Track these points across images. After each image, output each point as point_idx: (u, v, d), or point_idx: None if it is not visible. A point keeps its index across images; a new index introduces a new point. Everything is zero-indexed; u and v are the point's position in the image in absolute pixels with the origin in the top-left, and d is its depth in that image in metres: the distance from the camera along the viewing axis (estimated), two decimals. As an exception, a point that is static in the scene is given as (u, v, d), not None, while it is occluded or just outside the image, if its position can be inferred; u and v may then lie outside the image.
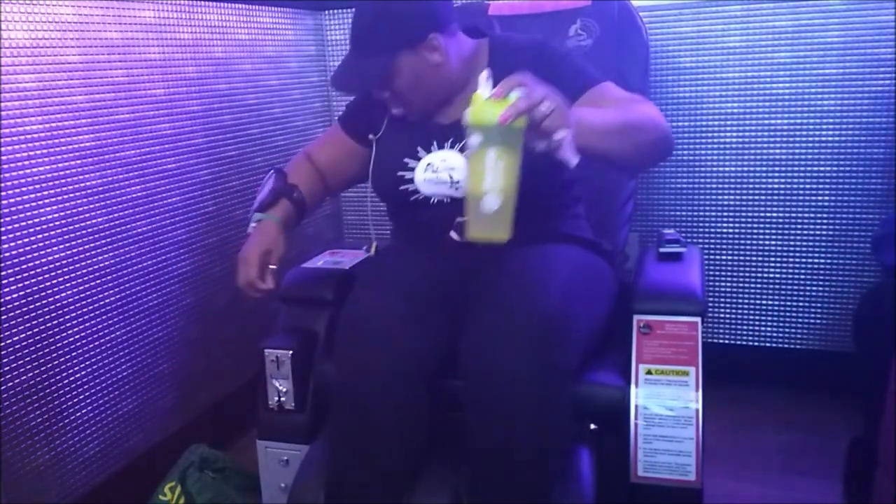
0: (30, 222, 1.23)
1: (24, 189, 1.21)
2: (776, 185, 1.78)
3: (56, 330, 1.29)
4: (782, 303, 1.84)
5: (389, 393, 1.01)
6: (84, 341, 1.35)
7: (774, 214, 1.80)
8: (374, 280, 1.14)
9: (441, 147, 1.17)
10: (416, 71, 1.12)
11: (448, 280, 1.14)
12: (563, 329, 0.97)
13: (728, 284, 1.88)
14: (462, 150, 1.14)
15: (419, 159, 1.18)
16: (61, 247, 1.29)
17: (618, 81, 1.50)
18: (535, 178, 1.14)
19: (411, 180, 1.18)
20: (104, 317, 1.39)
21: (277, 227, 1.19)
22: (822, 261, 1.78)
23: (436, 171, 1.16)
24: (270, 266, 1.17)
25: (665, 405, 1.07)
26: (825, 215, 1.76)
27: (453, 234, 1.16)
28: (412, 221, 1.24)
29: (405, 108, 1.18)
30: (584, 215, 1.30)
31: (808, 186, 1.76)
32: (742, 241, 1.84)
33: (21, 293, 1.22)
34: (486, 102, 0.84)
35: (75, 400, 1.34)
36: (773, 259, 1.82)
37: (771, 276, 1.83)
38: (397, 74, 1.12)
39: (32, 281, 1.24)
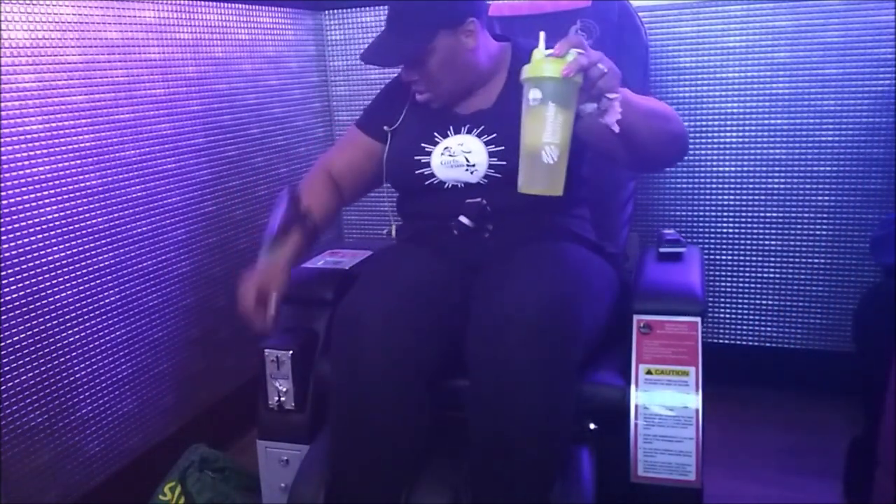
0: (30, 222, 1.23)
1: (24, 189, 1.21)
2: (776, 185, 1.78)
3: (56, 330, 1.29)
4: (782, 303, 1.84)
5: (386, 392, 1.01)
6: (84, 341, 1.35)
7: (774, 214, 1.80)
8: (371, 279, 1.14)
9: (458, 132, 1.20)
10: (451, 53, 1.15)
11: (449, 279, 1.14)
12: (568, 326, 0.97)
13: (728, 284, 1.88)
14: (479, 136, 1.17)
15: (436, 144, 1.20)
16: (61, 247, 1.29)
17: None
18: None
19: (427, 164, 1.19)
20: (104, 317, 1.39)
21: (280, 266, 1.17)
22: (822, 261, 1.78)
23: (453, 154, 1.18)
24: (270, 311, 1.16)
25: (665, 405, 1.07)
26: (825, 215, 1.76)
27: (464, 219, 1.16)
28: (424, 206, 1.24)
29: (431, 93, 1.20)
30: (589, 217, 1.30)
31: (808, 186, 1.76)
32: (742, 241, 1.84)
33: (21, 293, 1.22)
34: (545, 59, 0.87)
35: (75, 400, 1.34)
36: (773, 259, 1.82)
37: (771, 276, 1.83)
38: (432, 54, 1.14)
39: (32, 281, 1.24)
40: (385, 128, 1.28)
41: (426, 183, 1.20)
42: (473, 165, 1.16)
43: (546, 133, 0.88)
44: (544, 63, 0.87)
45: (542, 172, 0.89)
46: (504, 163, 1.15)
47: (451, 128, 1.21)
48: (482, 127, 1.18)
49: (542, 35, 0.91)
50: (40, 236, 1.25)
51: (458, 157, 1.18)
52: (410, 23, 1.14)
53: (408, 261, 1.17)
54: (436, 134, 1.21)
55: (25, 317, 1.23)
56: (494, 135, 1.16)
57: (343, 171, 1.33)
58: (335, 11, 2.08)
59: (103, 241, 1.38)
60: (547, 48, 0.89)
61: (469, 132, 1.19)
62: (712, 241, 1.87)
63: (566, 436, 1.03)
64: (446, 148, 1.19)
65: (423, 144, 1.21)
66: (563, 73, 0.86)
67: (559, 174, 0.89)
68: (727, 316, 1.89)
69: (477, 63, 1.19)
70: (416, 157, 1.21)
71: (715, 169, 1.82)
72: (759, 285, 1.85)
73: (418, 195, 1.24)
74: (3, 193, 1.18)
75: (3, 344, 1.19)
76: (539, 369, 0.94)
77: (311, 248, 1.27)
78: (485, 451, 0.98)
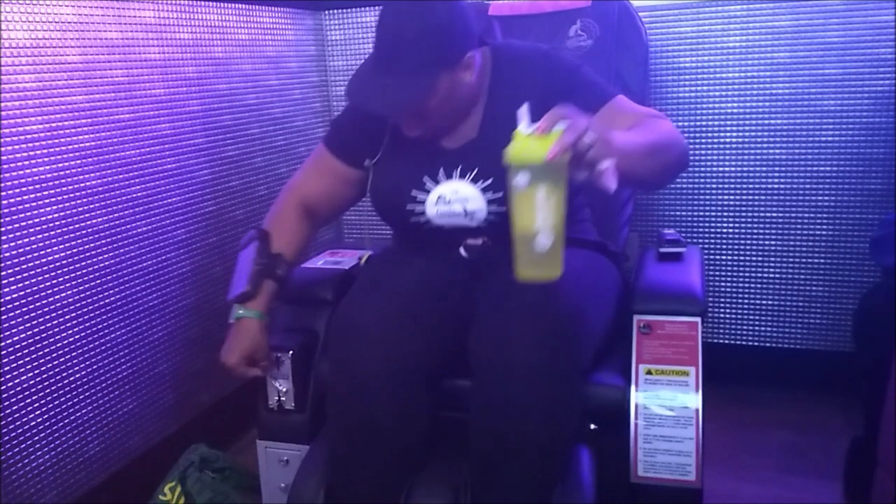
0: (30, 222, 1.23)
1: (24, 189, 1.21)
2: (776, 185, 1.78)
3: (56, 330, 1.29)
4: (782, 303, 1.84)
5: (384, 393, 1.01)
6: (84, 341, 1.35)
7: (774, 214, 1.80)
8: (369, 281, 1.14)
9: (450, 176, 1.11)
10: (450, 91, 1.05)
11: (450, 281, 1.14)
12: (574, 331, 0.97)
13: (728, 284, 1.87)
14: (473, 181, 1.10)
15: (427, 191, 1.12)
16: (61, 247, 1.29)
17: (618, 82, 1.52)
18: None
19: (422, 212, 1.12)
20: (104, 317, 1.39)
21: (259, 325, 1.15)
22: (822, 261, 1.78)
23: (448, 203, 1.10)
24: (257, 369, 1.17)
25: (665, 405, 1.07)
26: (825, 215, 1.76)
27: (462, 252, 1.14)
28: (420, 243, 1.19)
29: (424, 129, 1.10)
30: (590, 219, 1.30)
31: (808, 186, 1.76)
32: (742, 241, 1.84)
33: (21, 293, 1.22)
34: (529, 139, 0.81)
35: (75, 400, 1.34)
36: (773, 259, 1.82)
37: (771, 276, 1.83)
38: (433, 96, 1.03)
39: (32, 281, 1.24)
40: (366, 162, 1.18)
41: (423, 228, 1.14)
42: (472, 213, 1.10)
43: (538, 219, 0.82)
44: (528, 145, 0.81)
45: (537, 259, 0.84)
46: (503, 209, 1.07)
47: (441, 170, 1.11)
48: (476, 169, 1.09)
49: (523, 109, 0.84)
50: (40, 236, 1.25)
51: (455, 205, 1.10)
52: (410, 66, 1.02)
53: (408, 262, 1.17)
54: (426, 179, 1.12)
55: (25, 317, 1.23)
56: (490, 180, 1.08)
57: (318, 199, 1.24)
58: (335, 11, 2.08)
59: (103, 241, 1.38)
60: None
61: (462, 176, 1.10)
62: (712, 241, 1.87)
63: (569, 437, 1.03)
64: (440, 196, 1.11)
65: (413, 192, 1.12)
66: (548, 157, 0.79)
67: (556, 257, 0.84)
68: (727, 316, 1.89)
69: (474, 93, 1.11)
70: (409, 206, 1.13)
71: (715, 169, 1.82)
72: (759, 285, 1.85)
73: (414, 235, 1.18)
74: (3, 193, 1.18)
75: (3, 344, 1.19)
76: (545, 372, 0.94)
77: (284, 291, 1.23)
78: (487, 452, 0.98)
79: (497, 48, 1.16)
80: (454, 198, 1.10)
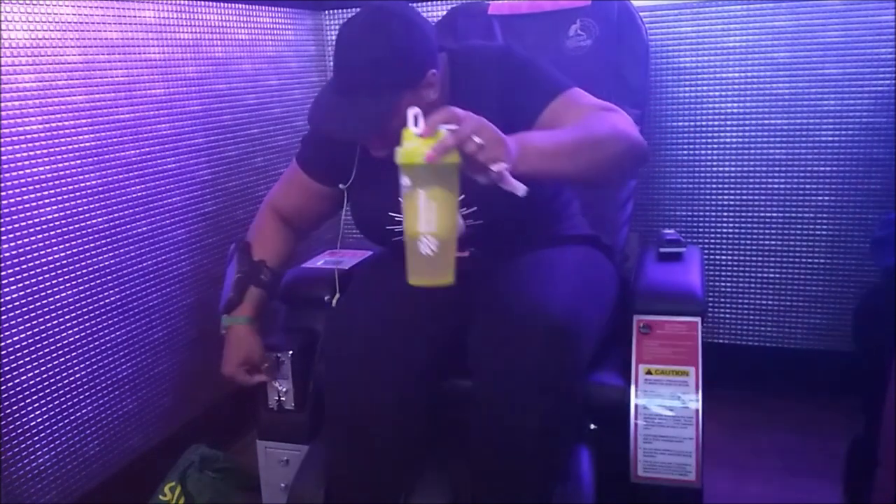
0: (30, 222, 1.23)
1: (24, 189, 1.21)
2: (776, 186, 1.78)
3: (56, 330, 1.29)
4: (782, 303, 1.84)
5: (380, 394, 1.01)
6: (84, 341, 1.35)
7: (774, 214, 1.80)
8: (364, 282, 1.14)
9: None
10: (401, 116, 0.99)
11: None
12: (573, 332, 0.97)
13: (728, 284, 1.87)
14: None
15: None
16: (61, 247, 1.29)
17: (618, 81, 1.52)
18: (531, 189, 1.13)
19: (400, 233, 1.06)
20: (104, 317, 1.39)
21: (249, 329, 1.17)
22: (822, 261, 1.78)
23: None
24: (260, 375, 1.19)
25: (665, 405, 1.07)
26: (825, 215, 1.76)
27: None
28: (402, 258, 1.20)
29: (391, 150, 1.04)
30: (580, 212, 1.30)
31: (808, 186, 1.76)
32: (742, 241, 1.84)
33: (21, 293, 1.22)
34: (413, 141, 0.80)
35: (75, 400, 1.34)
36: (773, 259, 1.82)
37: (771, 276, 1.83)
38: (396, 116, 0.97)
39: (32, 281, 1.24)
40: (340, 185, 1.17)
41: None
42: None
43: (420, 222, 0.80)
44: (411, 146, 0.79)
45: (423, 263, 0.82)
46: (480, 222, 1.09)
47: None
48: None
49: (410, 112, 0.82)
50: (40, 236, 1.25)
51: None
52: (371, 90, 0.98)
53: (402, 265, 1.16)
54: (401, 202, 1.09)
55: (25, 317, 1.23)
56: (463, 195, 0.97)
57: (294, 213, 1.26)
58: (335, 11, 2.08)
59: (103, 241, 1.38)
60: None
61: None
62: (712, 241, 1.86)
63: (569, 438, 1.03)
64: None
65: (391, 212, 1.11)
66: (425, 159, 0.77)
67: (443, 264, 0.82)
68: (727, 316, 1.89)
69: (437, 107, 1.03)
70: (389, 226, 1.12)
71: (715, 169, 1.82)
72: (759, 285, 1.85)
73: (398, 251, 1.18)
74: (3, 193, 1.18)
75: (3, 344, 1.19)
76: (544, 372, 0.94)
77: (273, 299, 1.25)
78: (487, 452, 0.98)
79: (453, 53, 1.13)
80: None
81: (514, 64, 1.10)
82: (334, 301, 1.25)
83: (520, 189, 0.82)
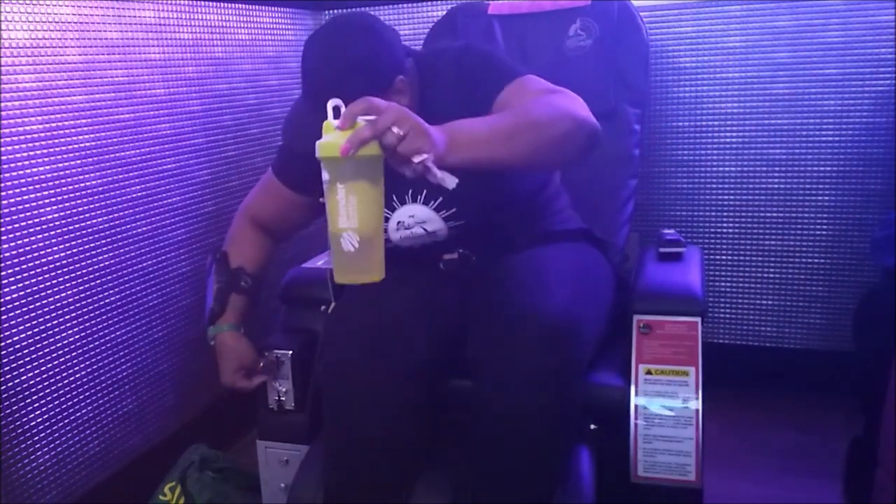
0: (30, 222, 1.23)
1: (24, 189, 1.21)
2: (776, 185, 1.78)
3: (56, 330, 1.29)
4: (782, 303, 1.84)
5: (379, 396, 1.01)
6: (84, 341, 1.35)
7: (774, 214, 1.80)
8: (362, 286, 1.14)
9: (402, 202, 1.11)
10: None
11: (444, 280, 1.14)
12: (572, 332, 0.97)
13: (728, 284, 1.87)
14: (425, 202, 1.10)
15: (386, 218, 1.10)
16: (61, 247, 1.29)
17: (618, 81, 1.52)
18: (509, 186, 1.13)
19: (387, 239, 1.11)
20: (104, 317, 1.39)
21: (236, 335, 1.19)
22: (822, 261, 1.78)
23: (409, 227, 1.11)
24: (259, 377, 1.20)
25: (665, 405, 1.07)
26: (825, 215, 1.76)
27: (442, 266, 1.15)
28: (398, 260, 1.20)
29: None
30: (570, 204, 1.29)
31: (808, 186, 1.76)
32: (742, 241, 1.84)
33: (21, 293, 1.22)
34: (332, 134, 0.77)
35: (75, 400, 1.34)
36: (773, 259, 1.82)
37: (771, 276, 1.83)
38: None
39: (32, 281, 1.24)
40: (321, 199, 1.15)
41: (393, 251, 1.10)
42: (434, 232, 1.11)
43: (341, 218, 0.77)
44: (330, 139, 0.76)
45: (347, 260, 0.78)
46: (462, 222, 1.10)
47: (393, 196, 1.11)
48: (424, 191, 1.09)
49: (329, 104, 0.79)
50: (40, 236, 1.25)
51: (416, 228, 1.11)
52: (337, 97, 0.90)
53: (401, 266, 1.17)
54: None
55: (25, 317, 1.23)
56: (440, 199, 1.09)
57: (270, 221, 1.26)
58: (335, 11, 2.08)
59: (103, 241, 1.38)
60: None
61: (414, 200, 1.10)
62: (712, 241, 1.86)
63: (569, 438, 1.03)
64: (399, 223, 1.12)
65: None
66: (340, 152, 0.74)
67: (367, 260, 0.79)
68: (727, 316, 1.89)
69: (406, 106, 1.03)
70: None
71: (715, 169, 1.82)
72: (759, 285, 1.85)
73: (387, 256, 1.19)
74: (3, 193, 1.18)
75: (3, 344, 1.19)
76: (544, 373, 0.94)
77: (257, 304, 1.25)
78: (487, 453, 0.98)
79: (418, 58, 1.13)
80: (412, 222, 1.11)
81: (471, 58, 1.10)
82: (330, 308, 1.27)
83: (449, 181, 0.79)
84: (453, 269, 1.16)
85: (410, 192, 1.11)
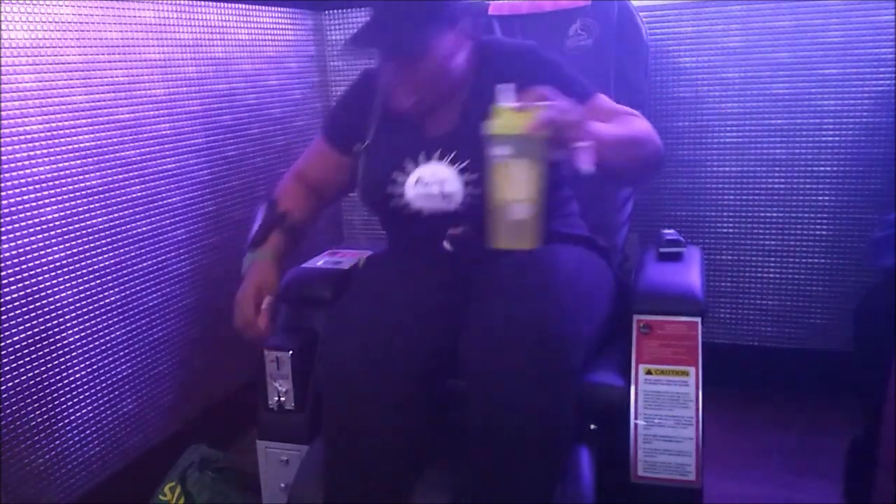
0: (30, 222, 1.23)
1: (24, 189, 1.21)
2: (776, 186, 1.78)
3: (56, 330, 1.29)
4: (782, 303, 1.84)
5: (378, 396, 1.01)
6: (84, 341, 1.35)
7: (774, 214, 1.80)
8: (362, 285, 1.14)
9: (430, 159, 1.14)
10: (448, 53, 1.09)
11: (443, 281, 1.14)
12: (565, 330, 0.97)
13: (728, 284, 1.87)
14: (452, 163, 1.13)
15: (408, 173, 1.15)
16: (61, 247, 1.29)
17: (619, 81, 1.52)
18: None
19: (401, 195, 1.15)
20: (104, 317, 1.39)
21: (269, 263, 1.18)
22: (822, 261, 1.78)
23: (427, 184, 1.13)
24: (263, 305, 1.16)
25: (665, 405, 1.07)
26: (825, 215, 1.76)
27: (446, 245, 1.15)
28: (404, 233, 1.23)
29: (417, 97, 1.12)
30: (578, 212, 1.30)
31: (808, 186, 1.76)
32: (742, 241, 1.84)
33: (21, 293, 1.22)
34: (510, 113, 0.86)
35: (75, 400, 1.34)
36: (773, 259, 1.82)
37: (771, 276, 1.83)
38: (434, 51, 1.07)
39: (32, 281, 1.24)
40: (355, 147, 1.22)
41: (403, 212, 1.17)
42: (449, 195, 1.13)
43: (514, 190, 0.86)
44: (508, 119, 0.86)
45: (512, 229, 0.88)
46: (479, 191, 1.10)
47: (422, 153, 1.14)
48: (454, 152, 1.13)
49: (504, 87, 0.89)
50: (40, 236, 1.25)
51: (433, 186, 1.13)
52: (411, 16, 1.06)
53: (399, 267, 1.17)
54: (407, 161, 1.15)
55: (25, 317, 1.23)
56: (468, 160, 1.11)
57: (315, 183, 1.31)
58: (335, 11, 2.08)
59: (103, 241, 1.38)
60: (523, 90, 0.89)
61: (441, 159, 1.13)
62: (712, 241, 1.87)
63: (566, 438, 1.03)
64: (419, 178, 1.14)
65: (394, 173, 1.15)
66: (528, 129, 0.84)
67: (531, 229, 0.88)
68: (727, 316, 1.89)
69: (461, 69, 1.13)
70: (389, 189, 1.16)
71: (715, 169, 1.82)
72: (759, 285, 1.85)
73: (396, 222, 1.21)
74: (3, 193, 1.18)
75: (3, 344, 1.19)
76: (539, 376, 0.94)
77: (295, 248, 1.26)
78: (485, 453, 0.98)
79: (483, 44, 1.18)
80: (432, 179, 1.13)
81: (545, 63, 1.16)
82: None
83: (589, 168, 0.88)
84: (454, 250, 1.15)
85: (440, 151, 1.14)
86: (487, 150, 0.87)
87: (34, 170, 1.23)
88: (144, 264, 1.48)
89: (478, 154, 0.97)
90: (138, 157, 1.45)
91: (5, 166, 1.18)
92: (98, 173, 1.36)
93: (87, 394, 1.36)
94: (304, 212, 1.28)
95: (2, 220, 1.18)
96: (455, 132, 1.16)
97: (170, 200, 1.54)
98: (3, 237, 1.18)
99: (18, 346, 1.22)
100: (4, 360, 1.20)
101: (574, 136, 0.87)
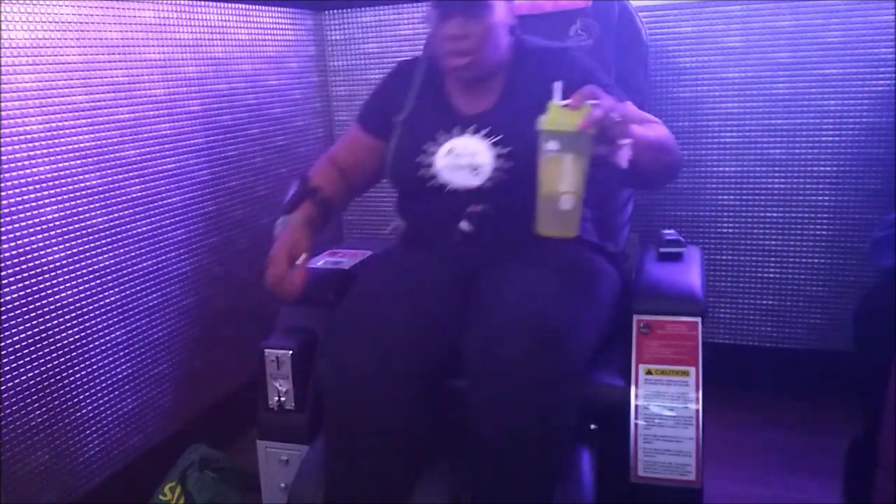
0: (30, 222, 1.23)
1: (24, 189, 1.22)
2: (776, 186, 1.78)
3: (56, 330, 1.29)
4: (782, 303, 1.84)
5: (381, 396, 1.01)
6: (84, 341, 1.35)
7: (774, 215, 1.80)
8: (366, 284, 1.14)
9: (464, 133, 1.18)
10: (502, 19, 1.17)
11: (445, 279, 1.14)
12: (565, 332, 0.97)
13: (728, 284, 1.88)
14: (486, 136, 1.16)
15: (440, 144, 1.18)
16: (61, 247, 1.29)
17: (619, 81, 1.51)
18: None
19: (430, 164, 1.18)
20: (104, 317, 1.39)
21: (301, 225, 1.20)
22: (822, 261, 1.78)
23: (458, 155, 1.16)
24: (298, 262, 1.16)
25: (665, 405, 1.07)
26: (825, 216, 1.76)
27: (464, 225, 1.16)
28: (423, 210, 1.23)
29: (473, 58, 1.16)
30: (591, 218, 1.30)
31: (808, 187, 1.76)
32: (742, 241, 1.84)
33: (21, 293, 1.22)
34: (561, 111, 0.92)
35: (75, 400, 1.34)
36: (773, 259, 1.82)
37: (771, 276, 1.83)
38: (494, 12, 1.14)
39: (32, 281, 1.24)
40: (392, 119, 1.27)
41: (427, 185, 1.19)
42: (478, 167, 1.15)
43: (563, 183, 0.93)
44: (561, 115, 0.92)
45: (559, 218, 0.95)
46: (511, 163, 1.14)
47: (457, 127, 1.18)
48: (488, 128, 1.17)
49: (557, 85, 0.96)
50: (40, 236, 1.25)
51: (463, 158, 1.16)
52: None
53: (404, 264, 1.17)
54: (440, 133, 1.19)
55: (25, 317, 1.23)
56: (501, 136, 1.15)
57: (346, 167, 1.33)
58: (335, 11, 2.08)
59: (103, 241, 1.38)
60: (563, 94, 0.95)
61: (475, 133, 1.17)
62: (712, 241, 1.87)
63: (567, 438, 1.03)
64: (451, 149, 1.17)
65: (426, 144, 1.19)
66: (579, 126, 0.90)
67: (575, 219, 0.95)
68: (727, 316, 1.89)
69: (507, 46, 1.20)
70: (419, 158, 1.19)
71: (715, 169, 1.82)
72: (759, 285, 1.85)
73: (418, 196, 1.23)
74: (3, 193, 1.18)
75: (3, 344, 1.19)
76: (540, 377, 0.94)
77: (326, 224, 1.28)
78: (485, 453, 0.98)
79: (520, 40, 1.25)
80: (464, 151, 1.17)
81: (579, 64, 1.21)
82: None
83: (624, 163, 0.94)
84: (471, 230, 1.16)
85: (475, 126, 1.18)
86: (540, 144, 0.94)
87: (34, 170, 1.23)
88: (144, 264, 1.48)
89: (511, 130, 1.12)
90: (138, 157, 1.45)
91: (5, 166, 1.18)
92: (98, 173, 1.36)
93: (87, 394, 1.36)
94: (334, 191, 1.30)
95: (2, 220, 1.18)
96: (491, 112, 1.20)
97: (170, 200, 1.54)
98: (3, 237, 1.18)
99: (18, 346, 1.22)
100: (4, 360, 1.20)
101: (618, 134, 0.92)
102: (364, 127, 1.32)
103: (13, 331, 1.21)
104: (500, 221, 1.16)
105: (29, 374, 1.24)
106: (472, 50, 1.15)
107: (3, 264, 1.19)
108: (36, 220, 1.24)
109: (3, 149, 1.17)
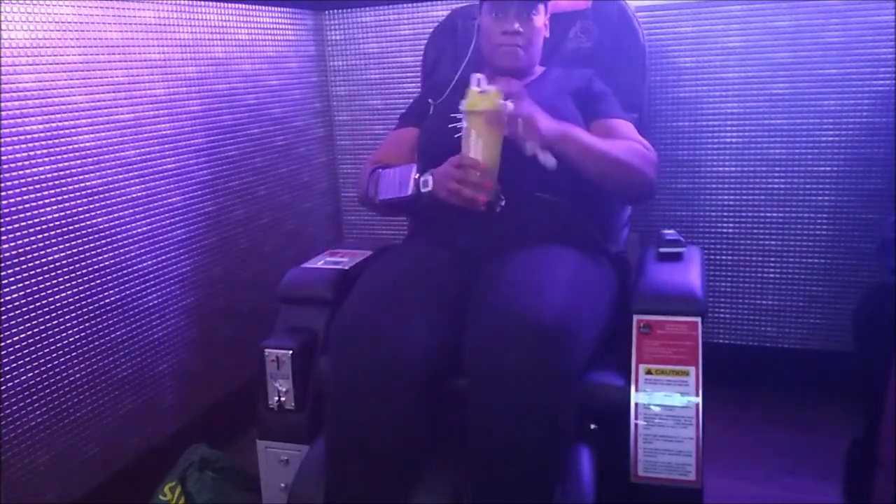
0: (30, 222, 1.23)
1: (24, 189, 1.21)
2: (776, 186, 1.78)
3: (56, 330, 1.29)
4: (782, 303, 1.84)
5: (382, 397, 1.01)
6: (84, 341, 1.35)
7: (774, 215, 1.80)
8: (369, 283, 1.14)
9: None
10: (542, 23, 1.35)
11: (450, 280, 1.14)
12: (565, 332, 0.97)
13: (728, 284, 1.88)
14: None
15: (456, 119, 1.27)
16: (61, 247, 1.29)
17: (616, 84, 1.51)
18: (554, 186, 1.20)
19: (458, 129, 1.21)
20: (104, 317, 1.39)
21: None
22: (822, 261, 1.79)
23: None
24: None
25: (665, 405, 1.07)
26: (825, 215, 1.76)
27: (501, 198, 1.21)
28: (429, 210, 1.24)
29: (524, 50, 1.33)
30: (591, 218, 1.30)
31: (808, 187, 1.76)
32: (742, 241, 1.84)
33: (21, 293, 1.22)
34: (477, 96, 1.11)
35: (75, 400, 1.34)
36: (772, 259, 1.82)
37: (771, 276, 1.83)
38: (541, 15, 1.34)
39: (32, 281, 1.24)
40: (430, 101, 1.41)
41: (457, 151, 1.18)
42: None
43: (471, 152, 1.13)
44: (474, 99, 1.11)
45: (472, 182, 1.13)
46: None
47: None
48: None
49: (475, 76, 1.13)
50: (40, 236, 1.25)
51: None
52: None
53: (406, 264, 1.17)
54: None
55: (25, 317, 1.23)
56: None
57: (391, 161, 1.35)
58: (335, 11, 2.08)
59: (103, 241, 1.38)
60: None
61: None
62: (712, 241, 1.87)
63: (566, 437, 1.03)
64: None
65: (454, 114, 1.25)
66: (483, 108, 1.10)
67: (485, 181, 1.13)
68: (727, 316, 1.89)
69: (541, 47, 1.38)
70: (452, 125, 1.26)
71: (715, 169, 1.82)
72: (759, 285, 1.85)
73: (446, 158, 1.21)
74: (3, 193, 1.18)
75: (3, 344, 1.19)
76: (538, 377, 0.94)
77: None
78: (485, 453, 0.98)
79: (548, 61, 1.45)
80: None
81: (597, 83, 1.38)
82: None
83: (549, 163, 1.11)
84: (503, 206, 1.20)
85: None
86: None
87: (34, 170, 1.23)
88: (144, 264, 1.48)
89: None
90: (138, 157, 1.45)
91: (5, 166, 1.18)
92: (98, 173, 1.36)
93: (87, 394, 1.36)
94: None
95: (2, 220, 1.18)
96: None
97: (170, 200, 1.54)
98: (3, 237, 1.18)
99: (18, 346, 1.22)
100: (4, 360, 1.20)
101: (524, 136, 1.09)
102: (406, 123, 1.43)
103: (13, 331, 1.21)
104: (508, 192, 1.19)
105: (29, 374, 1.24)
106: (522, 45, 1.32)
107: (3, 264, 1.19)
108: (36, 220, 1.24)
109: (3, 149, 1.17)
